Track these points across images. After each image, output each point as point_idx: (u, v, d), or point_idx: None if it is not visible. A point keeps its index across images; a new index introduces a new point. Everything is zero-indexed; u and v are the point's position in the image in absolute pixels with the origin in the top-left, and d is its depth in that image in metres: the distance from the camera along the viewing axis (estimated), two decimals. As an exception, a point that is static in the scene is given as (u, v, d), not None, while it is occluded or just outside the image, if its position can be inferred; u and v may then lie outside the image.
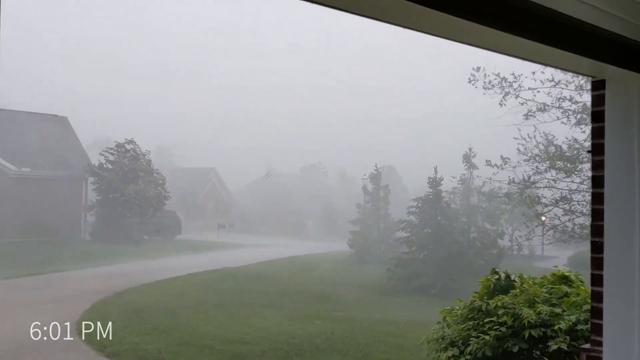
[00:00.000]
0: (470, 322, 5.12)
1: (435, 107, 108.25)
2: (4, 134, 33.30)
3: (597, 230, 3.65)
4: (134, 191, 33.00)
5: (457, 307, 5.64)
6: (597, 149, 3.68)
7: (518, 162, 18.05)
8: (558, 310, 5.10)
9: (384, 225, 30.92)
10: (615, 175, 3.58)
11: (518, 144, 17.78)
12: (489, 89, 17.41)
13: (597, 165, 3.68)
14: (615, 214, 3.55)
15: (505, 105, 17.37)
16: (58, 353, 9.66)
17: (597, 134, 3.68)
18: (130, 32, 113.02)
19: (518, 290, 5.37)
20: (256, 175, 77.70)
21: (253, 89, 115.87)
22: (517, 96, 17.26)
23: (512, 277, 5.90)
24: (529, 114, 17.15)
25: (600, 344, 3.61)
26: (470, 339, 4.94)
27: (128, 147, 34.76)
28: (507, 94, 17.26)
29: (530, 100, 17.27)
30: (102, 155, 34.75)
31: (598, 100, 3.68)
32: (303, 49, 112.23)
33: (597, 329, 3.64)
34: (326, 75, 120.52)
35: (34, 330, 11.01)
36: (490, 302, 5.11)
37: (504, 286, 5.57)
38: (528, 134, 17.52)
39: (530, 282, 5.84)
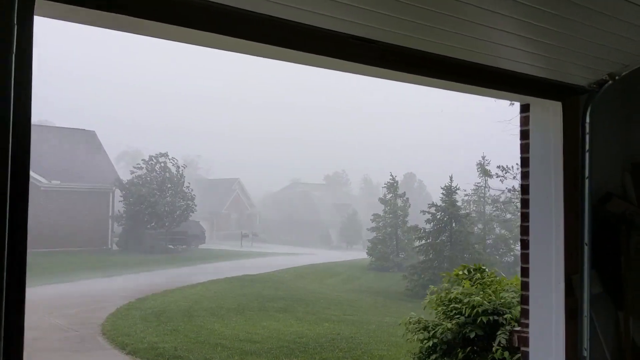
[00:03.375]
0: (440, 308, 5.84)
1: (451, 114, 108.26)
2: (35, 148, 34.67)
3: (524, 230, 4.34)
4: (162, 204, 34.08)
5: (433, 296, 6.32)
6: (524, 162, 4.36)
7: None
8: (517, 299, 5.77)
9: (403, 233, 31.45)
10: (537, 184, 4.26)
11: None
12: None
13: (524, 176, 4.37)
14: (537, 216, 4.24)
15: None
16: (84, 352, 10.51)
17: (524, 149, 4.37)
18: (155, 58, 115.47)
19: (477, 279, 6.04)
20: (280, 185, 78.76)
21: (276, 100, 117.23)
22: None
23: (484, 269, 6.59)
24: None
25: (527, 325, 4.27)
26: (439, 324, 5.64)
27: (161, 159, 35.95)
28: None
29: None
30: (133, 170, 36.03)
31: (525, 121, 4.39)
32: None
33: (525, 313, 4.31)
34: (350, 86, 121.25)
35: (63, 331, 11.95)
36: (453, 290, 5.81)
37: (470, 277, 6.26)
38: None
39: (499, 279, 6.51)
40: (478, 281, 5.93)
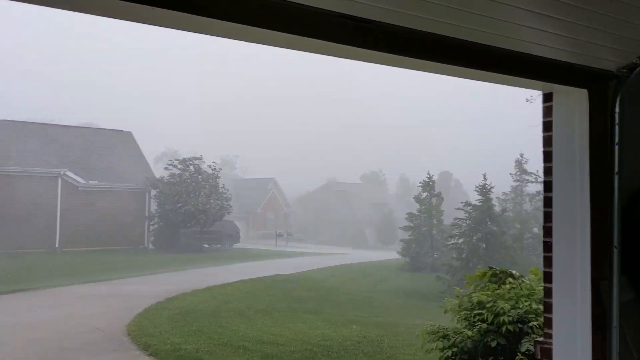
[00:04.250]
0: (462, 313, 5.47)
1: (489, 112, 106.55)
2: (73, 149, 35.34)
3: (547, 231, 3.94)
4: (195, 204, 34.25)
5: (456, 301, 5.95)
6: (547, 156, 3.97)
7: None
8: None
9: (437, 233, 30.83)
10: (561, 180, 3.86)
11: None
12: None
13: (547, 171, 3.97)
14: (561, 216, 3.84)
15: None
16: (107, 352, 10.43)
17: (547, 142, 3.98)
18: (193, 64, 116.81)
19: (509, 285, 5.61)
20: (316, 184, 78.63)
21: (313, 99, 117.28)
22: None
23: (513, 273, 6.12)
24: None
25: (551, 336, 3.89)
26: (459, 332, 5.28)
27: (195, 161, 36.27)
28: None
29: None
30: (167, 169, 36.56)
31: (547, 111, 3.99)
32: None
33: (549, 323, 3.91)
34: (386, 82, 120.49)
35: (89, 331, 11.92)
36: (473, 295, 5.43)
37: (496, 280, 5.83)
38: None
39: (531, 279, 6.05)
40: (511, 286, 5.50)
